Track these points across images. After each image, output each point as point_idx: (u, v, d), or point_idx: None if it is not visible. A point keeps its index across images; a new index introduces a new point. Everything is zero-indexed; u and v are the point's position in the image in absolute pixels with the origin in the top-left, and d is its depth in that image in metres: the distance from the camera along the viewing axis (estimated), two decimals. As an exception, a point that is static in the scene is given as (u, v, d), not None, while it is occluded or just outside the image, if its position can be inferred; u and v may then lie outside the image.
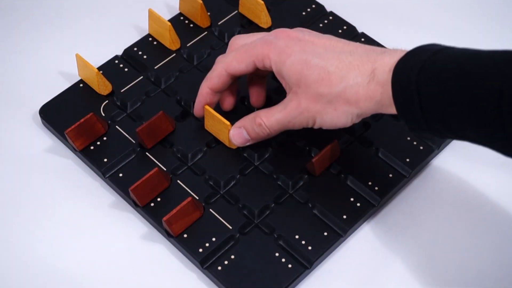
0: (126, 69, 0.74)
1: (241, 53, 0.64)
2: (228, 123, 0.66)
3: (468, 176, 0.67)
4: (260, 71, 0.66)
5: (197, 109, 0.68)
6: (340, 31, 0.76)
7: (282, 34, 0.63)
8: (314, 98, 0.60)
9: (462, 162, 0.68)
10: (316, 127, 0.62)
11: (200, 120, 0.70)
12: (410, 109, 0.55)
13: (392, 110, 0.57)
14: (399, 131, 0.69)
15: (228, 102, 0.69)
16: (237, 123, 0.66)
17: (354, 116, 0.60)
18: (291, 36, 0.62)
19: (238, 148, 0.68)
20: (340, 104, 0.59)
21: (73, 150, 0.68)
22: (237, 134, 0.66)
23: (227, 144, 0.68)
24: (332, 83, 0.59)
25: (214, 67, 0.66)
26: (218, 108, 0.69)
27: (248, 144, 0.66)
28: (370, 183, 0.65)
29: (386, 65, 0.57)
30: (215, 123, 0.67)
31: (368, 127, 0.69)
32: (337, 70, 0.59)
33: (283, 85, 0.63)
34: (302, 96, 0.60)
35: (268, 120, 0.63)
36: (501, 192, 0.67)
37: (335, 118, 0.60)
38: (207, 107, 0.67)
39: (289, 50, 0.61)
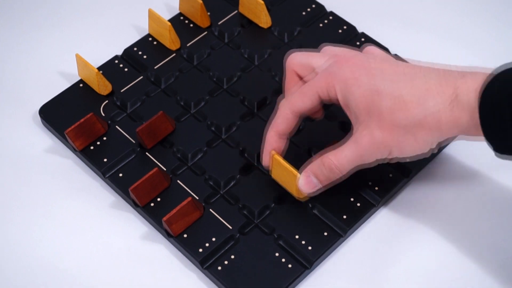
0: (126, 69, 0.74)
1: (304, 90, 0.61)
2: (297, 173, 0.61)
3: (468, 176, 0.67)
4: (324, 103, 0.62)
5: (264, 158, 0.64)
6: (340, 31, 0.76)
7: (346, 62, 0.59)
8: (390, 129, 0.56)
9: (461, 163, 0.68)
10: (392, 158, 0.59)
11: (200, 120, 0.70)
12: (502, 134, 0.52)
13: (476, 133, 0.54)
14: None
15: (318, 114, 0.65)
16: (304, 171, 0.61)
17: (434, 143, 0.57)
18: (356, 63, 0.59)
19: (238, 148, 0.68)
20: (420, 132, 0.56)
21: (73, 150, 0.68)
22: (306, 182, 0.61)
23: (295, 194, 0.63)
24: (410, 111, 0.55)
25: (278, 110, 0.62)
26: (286, 156, 0.64)
27: (318, 190, 0.62)
28: (370, 183, 0.65)
29: (470, 89, 0.54)
30: (283, 172, 0.62)
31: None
32: (414, 97, 0.55)
33: (349, 116, 0.59)
34: (375, 127, 0.57)
35: (338, 161, 0.59)
36: (500, 192, 0.67)
37: (415, 148, 0.57)
38: (275, 155, 0.62)
39: (357, 79, 0.58)
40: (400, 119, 0.56)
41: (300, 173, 0.61)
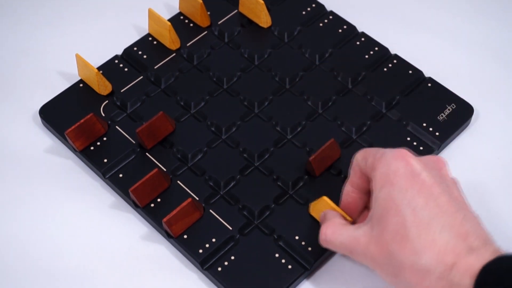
0: (126, 69, 0.74)
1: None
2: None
3: (467, 176, 0.67)
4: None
5: None
6: (340, 30, 0.76)
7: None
8: (381, 249, 0.54)
9: (461, 163, 0.68)
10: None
11: (200, 120, 0.70)
12: None
13: None
14: (399, 131, 0.69)
15: None
16: (321, 215, 0.62)
17: None
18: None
19: (238, 148, 0.68)
20: (402, 274, 0.53)
21: (73, 150, 0.68)
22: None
23: None
24: (405, 248, 0.52)
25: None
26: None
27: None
28: (370, 183, 0.65)
29: (466, 273, 0.50)
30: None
31: (368, 127, 0.69)
32: (416, 238, 0.52)
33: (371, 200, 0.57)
34: (374, 238, 0.54)
35: (333, 236, 0.58)
36: (500, 192, 0.67)
37: (392, 281, 0.54)
38: (326, 197, 0.62)
39: (392, 182, 0.54)
40: (393, 249, 0.53)
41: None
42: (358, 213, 0.61)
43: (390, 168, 0.55)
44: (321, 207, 0.62)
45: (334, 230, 0.58)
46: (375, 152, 0.57)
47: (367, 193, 0.60)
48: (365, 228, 0.56)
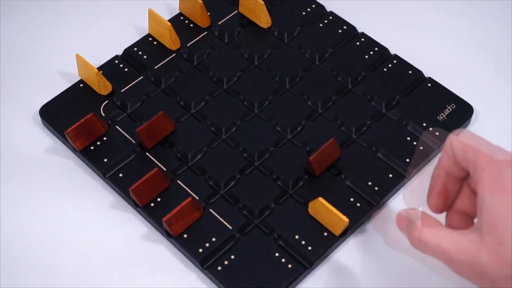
0: (126, 69, 0.74)
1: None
2: (344, 218, 0.60)
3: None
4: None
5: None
6: (340, 31, 0.76)
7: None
8: (498, 259, 0.49)
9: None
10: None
11: (200, 120, 0.70)
12: None
13: None
14: (399, 131, 0.69)
15: None
16: (402, 213, 0.56)
17: None
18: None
19: (238, 148, 0.68)
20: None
21: (73, 150, 0.69)
22: (398, 220, 0.56)
23: (333, 231, 0.62)
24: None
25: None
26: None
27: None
28: (370, 183, 0.65)
29: None
30: (326, 213, 0.62)
31: (368, 127, 0.69)
32: None
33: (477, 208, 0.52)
34: (487, 248, 0.50)
35: (432, 239, 0.53)
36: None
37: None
38: (321, 199, 0.62)
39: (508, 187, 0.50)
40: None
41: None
42: (449, 203, 0.56)
43: (503, 175, 0.50)
44: (317, 208, 0.62)
45: (432, 230, 0.53)
46: (478, 149, 0.53)
47: (460, 180, 0.55)
48: (473, 236, 0.51)
